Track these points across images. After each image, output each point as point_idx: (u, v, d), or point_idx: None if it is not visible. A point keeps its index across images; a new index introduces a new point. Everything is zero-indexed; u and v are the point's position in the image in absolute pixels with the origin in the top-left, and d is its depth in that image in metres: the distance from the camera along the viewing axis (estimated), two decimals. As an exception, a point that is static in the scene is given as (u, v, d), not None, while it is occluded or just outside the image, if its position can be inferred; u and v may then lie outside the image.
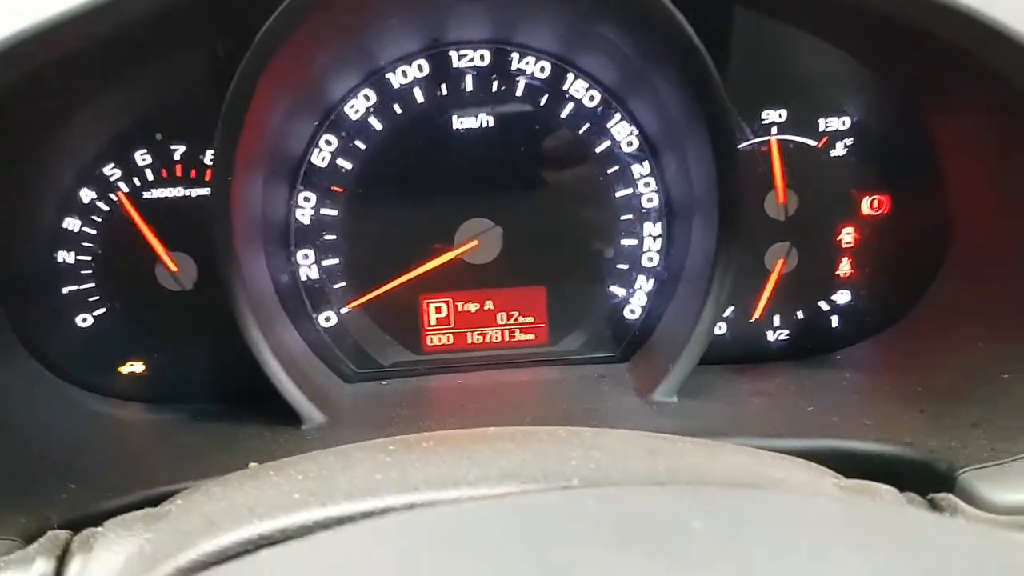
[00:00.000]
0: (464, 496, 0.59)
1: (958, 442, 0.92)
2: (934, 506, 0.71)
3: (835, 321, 1.31)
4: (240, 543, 0.58)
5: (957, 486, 0.86)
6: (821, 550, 0.41)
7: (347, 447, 0.73)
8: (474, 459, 0.64)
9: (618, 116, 1.26)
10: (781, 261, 1.28)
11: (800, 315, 1.31)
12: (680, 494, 0.48)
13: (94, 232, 1.22)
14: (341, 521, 0.58)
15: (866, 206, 1.26)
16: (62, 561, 0.66)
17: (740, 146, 1.20)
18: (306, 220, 1.26)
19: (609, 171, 1.27)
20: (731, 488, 0.50)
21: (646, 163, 1.27)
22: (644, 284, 1.31)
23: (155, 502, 0.78)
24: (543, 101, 1.24)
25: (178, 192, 1.23)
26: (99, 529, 0.69)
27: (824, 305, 1.30)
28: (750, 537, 0.42)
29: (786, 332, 1.31)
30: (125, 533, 0.67)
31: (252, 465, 0.95)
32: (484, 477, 0.61)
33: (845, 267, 1.28)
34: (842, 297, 1.30)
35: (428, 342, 1.32)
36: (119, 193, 1.21)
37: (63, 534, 0.69)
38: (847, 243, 1.28)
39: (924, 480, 0.86)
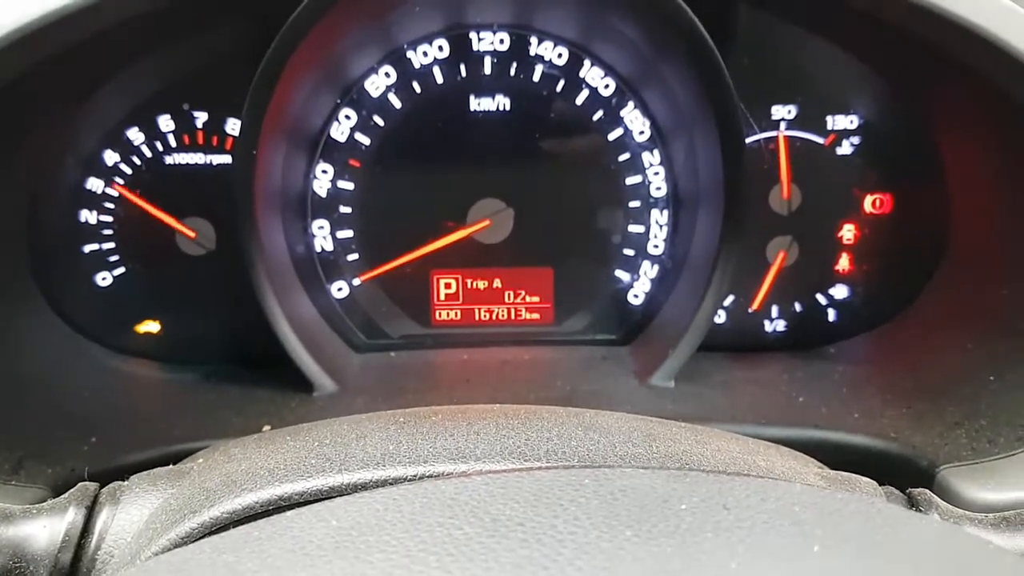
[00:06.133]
0: (471, 470, 0.63)
1: (940, 439, 0.96)
2: (911, 500, 0.75)
3: (831, 315, 1.34)
4: (260, 503, 0.62)
5: (936, 482, 0.91)
6: (793, 535, 0.45)
7: (359, 417, 0.77)
8: (481, 435, 0.68)
9: (631, 105, 1.28)
10: (782, 254, 1.31)
11: (798, 307, 1.35)
12: (670, 477, 0.52)
13: (116, 194, 1.25)
14: (355, 488, 0.62)
15: (868, 204, 1.30)
16: (91, 511, 0.69)
17: (748, 140, 1.24)
18: (323, 192, 1.30)
19: (620, 158, 1.30)
20: (719, 474, 0.54)
21: (656, 152, 1.30)
22: (649, 270, 1.35)
23: (173, 458, 0.81)
24: (559, 87, 1.27)
25: (199, 158, 1.26)
26: (125, 483, 0.73)
27: (822, 299, 1.34)
28: (731, 519, 0.46)
29: (783, 323, 1.35)
30: (150, 488, 0.71)
31: (266, 428, 1.00)
32: (490, 453, 0.66)
33: (844, 263, 1.32)
34: (839, 292, 1.33)
35: (436, 316, 1.36)
36: (116, 185, 1.25)
37: (92, 486, 0.72)
38: (847, 239, 1.31)
39: (905, 474, 0.90)
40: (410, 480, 0.62)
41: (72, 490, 0.72)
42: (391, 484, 0.61)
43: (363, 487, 0.62)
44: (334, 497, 0.59)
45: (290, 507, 0.61)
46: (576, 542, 0.44)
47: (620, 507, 0.48)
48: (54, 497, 0.75)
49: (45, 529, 0.68)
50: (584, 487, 0.51)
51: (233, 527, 0.60)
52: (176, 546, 0.61)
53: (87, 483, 0.73)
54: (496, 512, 0.48)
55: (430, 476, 0.62)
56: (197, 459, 0.77)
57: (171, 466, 0.76)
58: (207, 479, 0.68)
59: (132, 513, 0.69)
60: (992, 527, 0.72)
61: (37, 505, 0.71)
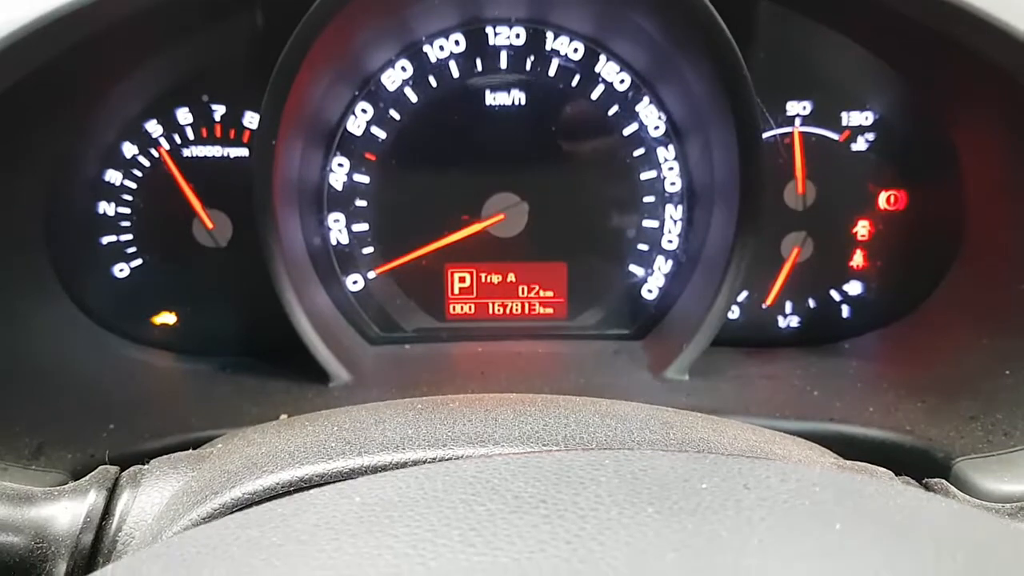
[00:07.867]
0: (490, 454, 0.64)
1: (955, 432, 0.96)
2: (929, 490, 0.75)
3: (845, 311, 1.34)
4: (281, 485, 0.63)
5: (952, 474, 0.91)
6: (814, 513, 0.45)
7: (377, 404, 0.77)
8: (499, 421, 0.68)
9: (647, 100, 1.29)
10: (796, 250, 1.31)
11: (811, 303, 1.34)
12: (690, 459, 0.53)
13: (134, 186, 1.26)
14: (375, 470, 0.63)
15: (883, 200, 1.29)
16: (112, 494, 0.70)
17: (764, 136, 1.23)
18: (339, 185, 1.30)
19: (635, 153, 1.30)
20: (738, 456, 0.54)
21: (671, 147, 1.30)
22: (663, 265, 1.35)
23: (191, 446, 0.81)
24: (575, 82, 1.27)
25: (216, 151, 1.26)
26: (146, 466, 0.73)
27: (836, 295, 1.34)
28: (752, 497, 0.47)
29: (797, 319, 1.35)
30: (171, 471, 0.71)
31: (283, 417, 1.00)
32: (508, 437, 0.66)
33: (858, 259, 1.32)
34: (853, 288, 1.33)
35: (451, 310, 1.36)
36: (160, 149, 1.25)
37: (112, 469, 0.72)
38: (862, 236, 1.31)
39: (921, 467, 0.90)
40: (429, 463, 0.63)
41: (93, 473, 0.72)
42: (411, 467, 0.62)
43: (383, 470, 0.62)
44: (354, 479, 0.60)
45: (311, 488, 0.61)
46: (598, 518, 0.45)
47: (641, 486, 0.48)
48: (74, 481, 0.75)
49: (67, 511, 0.69)
50: (605, 467, 0.51)
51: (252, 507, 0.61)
52: (197, 526, 0.61)
53: (107, 466, 0.73)
54: (518, 490, 0.48)
55: (449, 459, 0.63)
56: (216, 444, 0.78)
57: (190, 451, 0.76)
58: (228, 462, 0.68)
59: (153, 495, 0.69)
60: (1009, 517, 0.72)
61: (58, 487, 0.71)
